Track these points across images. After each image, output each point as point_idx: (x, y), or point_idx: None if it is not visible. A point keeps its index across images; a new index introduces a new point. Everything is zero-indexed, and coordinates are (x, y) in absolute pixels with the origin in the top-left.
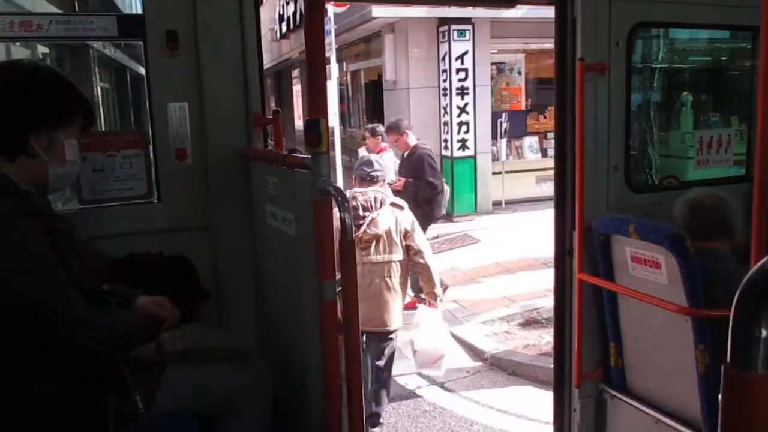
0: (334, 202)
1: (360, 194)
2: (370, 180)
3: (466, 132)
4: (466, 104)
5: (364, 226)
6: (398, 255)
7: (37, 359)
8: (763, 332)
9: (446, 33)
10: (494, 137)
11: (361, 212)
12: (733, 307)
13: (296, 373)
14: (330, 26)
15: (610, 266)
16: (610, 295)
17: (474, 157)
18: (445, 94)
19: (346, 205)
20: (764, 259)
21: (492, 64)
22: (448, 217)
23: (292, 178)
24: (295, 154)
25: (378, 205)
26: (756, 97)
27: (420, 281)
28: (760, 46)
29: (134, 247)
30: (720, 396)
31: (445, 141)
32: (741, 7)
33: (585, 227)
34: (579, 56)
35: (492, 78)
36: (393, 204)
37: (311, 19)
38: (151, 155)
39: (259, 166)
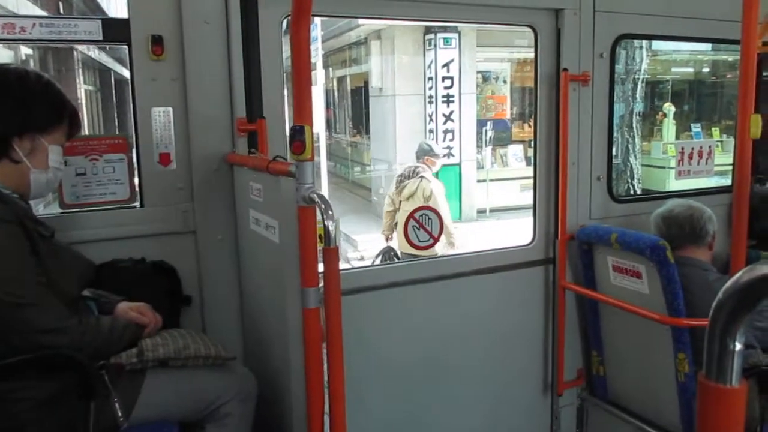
0: (317, 210)
1: (408, 166)
2: (417, 157)
3: (452, 139)
4: (451, 112)
5: (401, 186)
6: None
7: (15, 366)
8: (737, 345)
9: (432, 41)
10: (479, 145)
11: (402, 178)
12: (709, 319)
13: (279, 380)
14: (316, 32)
15: (592, 275)
16: (591, 303)
17: (459, 165)
18: (430, 102)
19: (330, 212)
20: (739, 273)
21: (477, 72)
22: None
23: (276, 185)
24: (279, 161)
25: (413, 174)
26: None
27: None
28: (740, 59)
29: (116, 252)
30: (697, 406)
31: None
32: (722, 21)
33: (568, 236)
34: (563, 67)
35: (477, 86)
36: (422, 176)
37: (297, 26)
38: (135, 159)
39: (243, 172)
